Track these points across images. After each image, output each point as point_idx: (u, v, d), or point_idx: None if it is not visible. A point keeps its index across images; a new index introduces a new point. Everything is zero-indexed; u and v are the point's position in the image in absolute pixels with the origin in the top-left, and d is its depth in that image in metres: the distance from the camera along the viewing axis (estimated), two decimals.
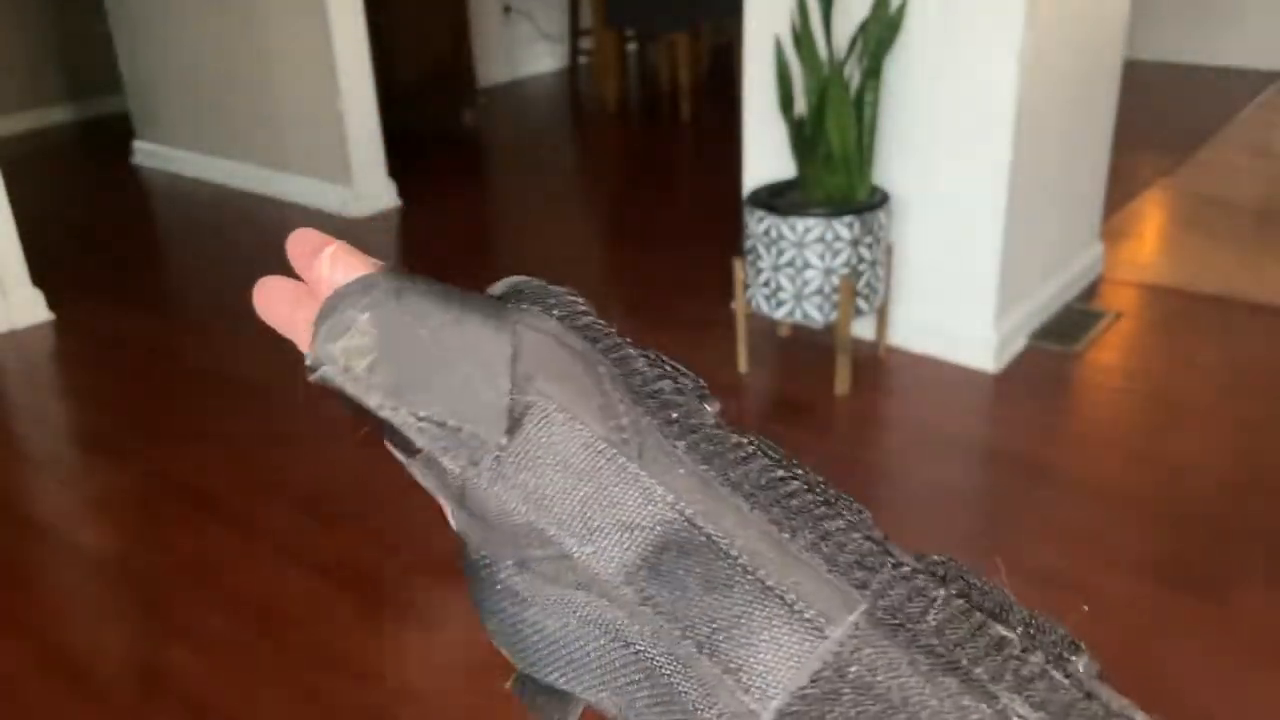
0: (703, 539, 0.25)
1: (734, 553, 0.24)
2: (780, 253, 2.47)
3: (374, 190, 4.03)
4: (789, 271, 2.48)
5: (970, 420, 2.58)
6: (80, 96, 5.58)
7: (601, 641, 0.26)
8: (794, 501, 0.25)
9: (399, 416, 0.26)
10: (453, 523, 0.29)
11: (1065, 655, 0.23)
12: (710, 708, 0.24)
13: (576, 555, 0.25)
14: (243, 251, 3.83)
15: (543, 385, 0.26)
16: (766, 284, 2.53)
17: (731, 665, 0.24)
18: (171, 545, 2.16)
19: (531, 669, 0.28)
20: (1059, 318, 2.90)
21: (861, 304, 2.54)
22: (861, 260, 2.48)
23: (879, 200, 2.52)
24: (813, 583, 0.24)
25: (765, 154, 2.78)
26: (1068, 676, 0.23)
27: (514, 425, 0.25)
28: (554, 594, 0.26)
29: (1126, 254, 3.37)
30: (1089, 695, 0.22)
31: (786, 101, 2.50)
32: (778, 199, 2.53)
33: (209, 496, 2.31)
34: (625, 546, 0.25)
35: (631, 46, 6.03)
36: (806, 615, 0.24)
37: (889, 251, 2.62)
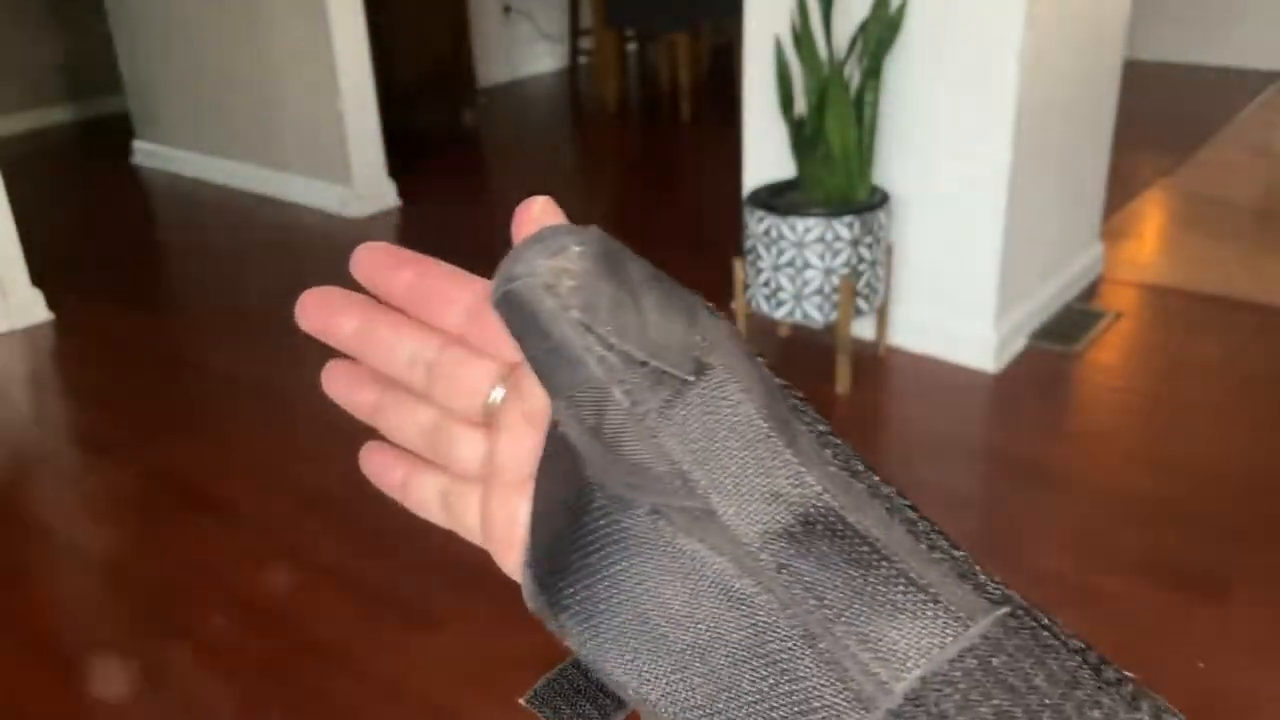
0: (847, 528, 0.25)
1: (877, 544, 0.25)
2: (780, 253, 2.47)
3: (374, 190, 4.03)
4: (789, 271, 2.48)
5: (970, 420, 2.58)
6: (80, 96, 5.58)
7: (718, 609, 0.25)
8: (922, 526, 0.26)
9: (585, 341, 0.26)
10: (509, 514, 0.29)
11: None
12: (833, 683, 0.23)
13: (721, 513, 0.25)
14: (243, 251, 3.83)
15: (721, 358, 0.27)
16: (766, 284, 2.53)
17: (868, 636, 0.23)
18: (171, 545, 2.16)
19: (601, 649, 0.27)
20: (1059, 318, 2.90)
21: (861, 304, 2.54)
22: (861, 260, 2.48)
23: (879, 200, 2.52)
24: (953, 585, 0.24)
25: (765, 154, 2.78)
26: None
27: (696, 374, 0.26)
28: (682, 547, 0.26)
29: (1126, 254, 3.37)
30: None
31: (786, 101, 2.50)
32: (778, 199, 2.53)
33: (209, 496, 2.31)
34: (771, 515, 0.25)
35: (631, 46, 6.03)
36: (950, 606, 0.24)
37: (889, 251, 2.62)
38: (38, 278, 3.20)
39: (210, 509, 2.26)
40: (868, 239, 2.47)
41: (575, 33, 5.99)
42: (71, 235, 3.95)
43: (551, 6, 6.17)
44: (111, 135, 5.03)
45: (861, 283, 2.50)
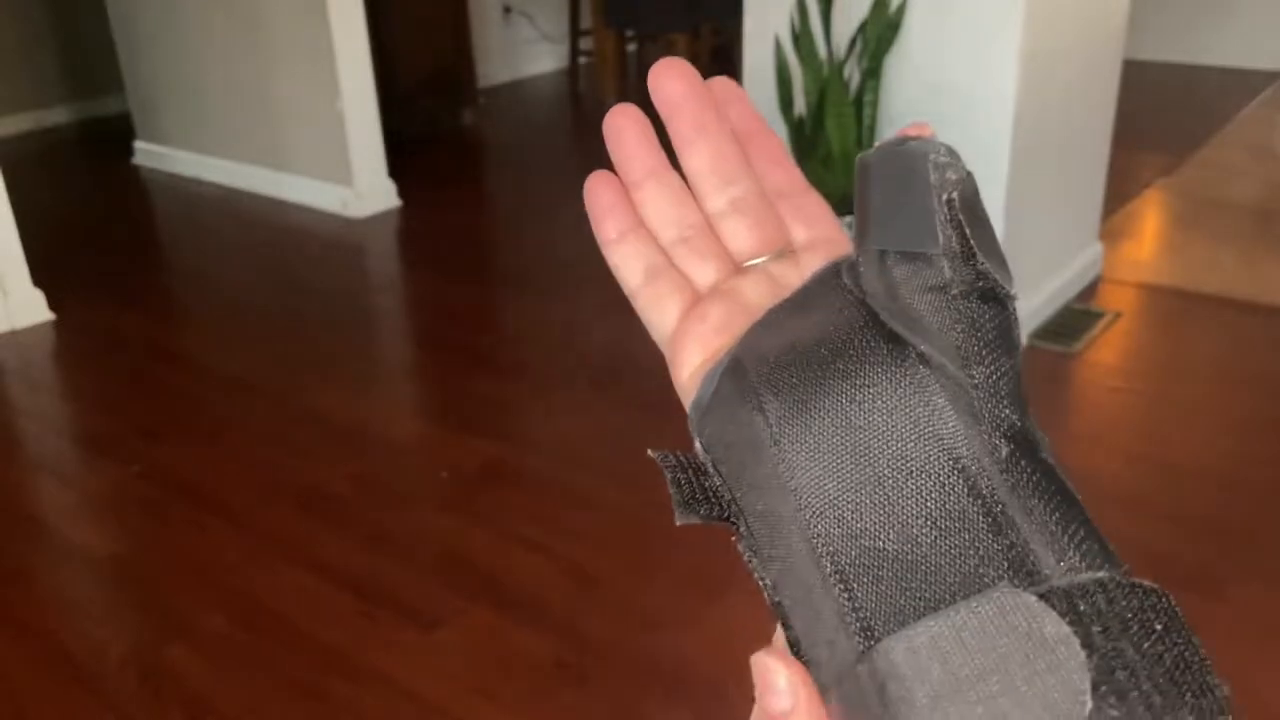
0: (1055, 475, 0.27)
1: (1075, 496, 0.26)
2: None
3: (374, 190, 4.03)
4: None
5: None
6: (80, 96, 5.58)
7: (931, 456, 0.26)
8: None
9: (944, 217, 0.28)
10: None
11: None
12: (1008, 552, 0.25)
13: (974, 396, 0.27)
14: (243, 251, 3.83)
15: (1015, 308, 0.29)
16: None
17: (1065, 531, 0.25)
18: (171, 545, 2.17)
19: (792, 434, 0.28)
20: (1058, 318, 2.90)
21: None
22: None
23: None
24: (1116, 558, 0.26)
25: None
26: None
27: (1011, 297, 0.29)
28: (931, 396, 0.27)
29: (1126, 254, 3.37)
30: None
31: (786, 101, 2.51)
32: None
33: (209, 496, 2.31)
34: (1011, 421, 0.27)
35: (631, 47, 6.03)
36: (1119, 562, 0.26)
37: None
38: (38, 278, 3.20)
39: (210, 509, 2.27)
40: None
41: (575, 33, 5.99)
42: (72, 235, 3.95)
43: (551, 6, 6.17)
44: (112, 135, 5.03)
45: None
